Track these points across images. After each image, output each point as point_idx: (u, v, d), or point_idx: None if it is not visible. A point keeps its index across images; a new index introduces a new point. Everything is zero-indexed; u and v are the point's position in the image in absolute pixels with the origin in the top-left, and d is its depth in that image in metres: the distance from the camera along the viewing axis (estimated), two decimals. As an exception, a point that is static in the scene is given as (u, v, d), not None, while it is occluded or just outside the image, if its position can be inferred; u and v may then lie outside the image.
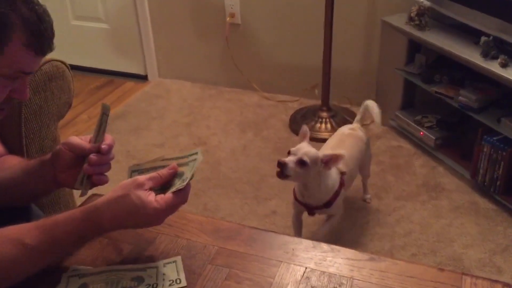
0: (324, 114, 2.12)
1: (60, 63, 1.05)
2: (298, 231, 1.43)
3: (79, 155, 0.75)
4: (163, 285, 0.67)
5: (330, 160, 1.22)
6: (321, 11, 1.95)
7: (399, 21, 1.88)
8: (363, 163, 1.54)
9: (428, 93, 1.85)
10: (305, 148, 1.21)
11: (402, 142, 1.99)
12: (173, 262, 0.71)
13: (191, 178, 0.69)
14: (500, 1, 1.53)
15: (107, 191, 0.68)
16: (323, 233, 1.36)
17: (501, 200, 1.64)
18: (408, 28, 1.83)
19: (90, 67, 2.64)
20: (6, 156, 0.88)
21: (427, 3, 1.80)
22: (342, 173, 1.33)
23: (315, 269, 0.70)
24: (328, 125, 2.10)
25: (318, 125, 2.09)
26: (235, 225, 0.80)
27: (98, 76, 2.62)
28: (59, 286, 0.67)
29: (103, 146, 0.74)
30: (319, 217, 1.47)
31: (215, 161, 1.94)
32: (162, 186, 0.69)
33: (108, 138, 0.75)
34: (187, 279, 0.69)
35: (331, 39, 1.97)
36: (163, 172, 0.69)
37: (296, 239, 0.77)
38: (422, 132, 1.90)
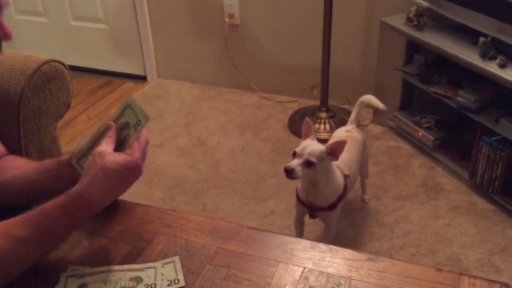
0: (323, 115, 2.12)
1: (59, 63, 1.05)
2: (299, 233, 1.42)
3: None
4: (161, 285, 0.68)
5: (334, 149, 1.20)
6: (320, 12, 1.95)
7: (397, 21, 1.88)
8: (362, 164, 1.54)
9: (426, 93, 1.85)
10: (309, 147, 1.19)
11: (401, 142, 2.00)
12: (172, 262, 0.71)
13: (145, 120, 0.70)
14: (499, 2, 1.54)
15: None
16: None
17: (500, 201, 1.64)
18: (407, 29, 1.84)
19: (89, 68, 2.64)
20: (8, 156, 0.88)
21: (426, 4, 1.81)
22: (346, 176, 1.32)
23: (314, 269, 0.70)
24: (327, 126, 2.10)
25: (317, 125, 2.10)
26: (233, 225, 0.80)
27: (97, 76, 2.62)
28: (58, 286, 0.67)
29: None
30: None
31: (214, 161, 1.94)
32: (117, 145, 0.71)
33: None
34: (185, 279, 0.69)
35: (330, 40, 1.98)
36: (110, 133, 0.71)
37: (295, 239, 0.77)
38: (421, 133, 1.90)
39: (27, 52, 1.05)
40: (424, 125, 1.91)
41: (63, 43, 2.65)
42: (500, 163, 1.59)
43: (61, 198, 0.67)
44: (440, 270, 0.70)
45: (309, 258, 0.72)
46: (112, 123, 0.72)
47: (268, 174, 1.86)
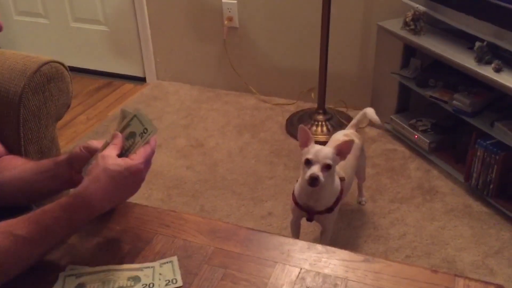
0: (320, 117, 2.13)
1: (59, 64, 1.06)
2: (295, 236, 1.42)
3: None
4: (159, 285, 0.68)
5: (342, 149, 1.21)
6: (318, 15, 1.96)
7: (394, 26, 1.90)
8: (359, 168, 1.54)
9: (422, 97, 1.87)
10: (322, 151, 1.20)
11: (397, 145, 2.01)
12: (170, 262, 0.72)
13: (153, 130, 0.70)
14: (495, 7, 1.55)
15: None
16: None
17: (494, 203, 1.65)
18: (404, 33, 1.85)
19: (89, 69, 2.64)
20: (8, 156, 0.88)
21: (422, 9, 1.82)
22: (341, 179, 1.33)
23: (310, 270, 0.71)
24: (324, 128, 2.11)
25: (314, 128, 2.11)
26: (231, 226, 0.81)
27: (96, 77, 2.62)
28: (56, 286, 0.68)
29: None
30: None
31: (212, 162, 1.95)
32: (122, 152, 0.71)
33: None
34: (183, 279, 0.69)
35: (328, 43, 1.99)
36: (115, 141, 0.71)
37: (292, 240, 0.78)
38: (417, 136, 1.92)
39: (27, 53, 1.06)
40: (420, 128, 1.93)
41: (63, 44, 2.65)
42: (495, 166, 1.60)
43: (63, 199, 0.67)
44: (435, 271, 0.71)
45: (305, 259, 0.73)
46: (118, 132, 0.72)
47: (266, 176, 1.87)
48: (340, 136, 1.50)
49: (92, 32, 2.57)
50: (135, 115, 0.71)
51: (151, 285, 0.68)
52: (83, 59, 2.63)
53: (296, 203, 1.32)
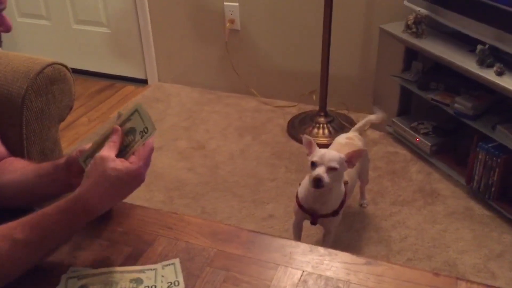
0: (322, 120, 2.13)
1: (61, 66, 1.06)
2: (297, 238, 1.42)
3: None
4: (161, 287, 0.68)
5: (353, 157, 1.22)
6: (319, 18, 1.97)
7: (396, 29, 1.90)
8: (362, 171, 1.54)
9: (424, 100, 1.87)
10: (327, 155, 1.20)
11: (399, 148, 2.01)
12: (172, 264, 0.72)
13: (153, 130, 0.69)
14: (496, 10, 1.56)
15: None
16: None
17: (496, 206, 1.65)
18: (405, 36, 1.86)
19: (91, 71, 2.65)
20: (10, 158, 0.89)
21: (424, 12, 1.83)
22: (345, 183, 1.33)
23: (312, 273, 0.71)
24: (326, 131, 2.11)
25: (315, 130, 2.11)
26: (233, 228, 0.81)
27: (99, 79, 2.63)
28: None
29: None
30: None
31: (213, 164, 1.95)
32: (120, 150, 0.70)
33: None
34: (185, 281, 0.69)
35: (329, 46, 1.99)
36: (114, 138, 0.70)
37: (294, 243, 0.78)
38: (418, 139, 1.92)
39: (30, 55, 1.06)
40: (422, 131, 1.93)
41: (65, 46, 2.66)
42: (497, 169, 1.60)
43: (62, 202, 0.67)
44: (437, 274, 0.71)
45: (308, 262, 0.73)
46: (118, 127, 0.71)
47: (267, 178, 1.87)
48: (342, 139, 1.50)
49: (94, 34, 2.58)
50: (136, 109, 0.70)
51: (153, 287, 0.68)
52: (85, 61, 2.64)
53: (300, 205, 1.32)
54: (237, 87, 2.42)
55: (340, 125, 2.12)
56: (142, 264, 0.72)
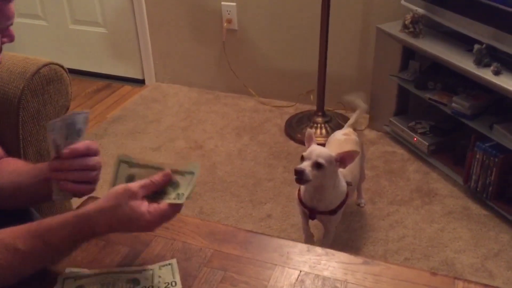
0: (319, 120, 2.14)
1: (58, 66, 1.06)
2: (309, 237, 1.40)
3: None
4: (158, 287, 0.68)
5: (345, 158, 1.21)
6: (317, 18, 1.97)
7: (393, 28, 1.90)
8: (360, 167, 1.55)
9: (421, 99, 1.87)
10: (317, 150, 1.21)
11: (396, 147, 2.01)
12: (169, 264, 0.72)
13: (189, 195, 0.68)
14: (493, 9, 1.56)
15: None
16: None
17: (493, 206, 1.66)
18: (403, 36, 1.86)
19: (88, 71, 2.64)
20: (6, 158, 0.88)
21: (421, 11, 1.83)
22: (348, 184, 1.32)
23: (310, 273, 0.71)
24: (323, 130, 2.11)
25: (313, 130, 2.11)
26: (230, 228, 0.81)
27: (95, 80, 2.62)
28: (55, 288, 0.68)
29: (64, 150, 0.72)
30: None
31: (211, 164, 1.95)
32: (152, 193, 0.68)
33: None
34: (182, 281, 0.69)
35: (327, 46, 2.00)
36: (157, 178, 0.68)
37: (291, 243, 0.78)
38: (416, 138, 1.92)
39: (26, 55, 1.06)
40: (419, 131, 1.93)
41: (62, 47, 2.65)
42: (494, 169, 1.60)
43: (70, 216, 0.66)
44: (434, 274, 0.71)
45: (305, 262, 0.73)
46: (170, 173, 0.69)
47: (265, 178, 1.87)
48: (339, 136, 1.51)
49: (91, 34, 2.58)
50: (192, 172, 0.69)
51: (150, 288, 0.68)
52: (82, 61, 2.63)
53: (300, 201, 1.33)
54: (235, 87, 2.42)
55: (338, 125, 2.12)
56: (139, 265, 0.72)
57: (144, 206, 0.65)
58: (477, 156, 1.65)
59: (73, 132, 0.73)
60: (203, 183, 1.84)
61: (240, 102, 2.37)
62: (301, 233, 1.45)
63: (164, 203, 0.67)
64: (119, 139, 2.11)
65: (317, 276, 0.71)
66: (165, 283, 0.69)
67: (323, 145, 1.39)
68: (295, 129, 2.14)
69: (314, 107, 2.16)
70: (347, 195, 1.32)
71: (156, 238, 0.77)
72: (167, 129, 2.18)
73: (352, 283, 0.69)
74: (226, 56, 2.36)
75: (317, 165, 1.19)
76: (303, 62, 2.25)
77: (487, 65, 1.60)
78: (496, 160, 1.59)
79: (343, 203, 1.31)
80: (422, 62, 1.92)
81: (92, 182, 0.75)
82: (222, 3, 2.27)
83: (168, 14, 2.40)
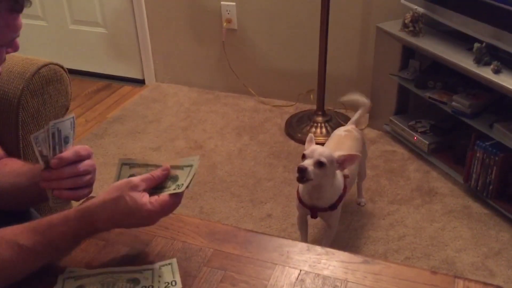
0: (319, 119, 2.14)
1: (58, 66, 1.06)
2: (304, 234, 1.43)
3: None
4: (158, 287, 0.68)
5: (346, 160, 1.23)
6: (316, 17, 1.97)
7: (393, 27, 1.90)
8: (360, 166, 1.55)
9: (421, 98, 1.87)
10: (319, 149, 1.22)
11: (396, 147, 2.01)
12: (169, 264, 0.72)
13: (188, 186, 0.69)
14: (493, 8, 1.56)
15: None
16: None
17: (494, 205, 1.65)
18: (402, 35, 1.86)
19: (88, 71, 2.64)
20: (6, 159, 0.88)
21: (421, 10, 1.83)
22: (345, 176, 1.33)
23: (310, 272, 0.71)
24: (324, 130, 2.11)
25: (313, 129, 2.11)
26: (230, 227, 0.81)
27: (95, 80, 2.62)
28: (55, 288, 0.68)
29: (52, 161, 0.71)
30: (319, 220, 1.48)
31: (211, 164, 1.95)
32: (155, 187, 0.70)
33: (67, 153, 0.70)
34: (182, 281, 0.69)
35: (327, 45, 1.99)
36: (157, 173, 0.70)
37: (291, 242, 0.78)
38: (416, 137, 1.92)
39: (26, 55, 1.06)
40: (419, 130, 1.93)
41: (62, 47, 2.65)
42: (494, 167, 1.60)
43: (70, 213, 0.67)
44: (435, 273, 0.71)
45: (305, 261, 0.73)
46: (169, 167, 0.71)
47: (265, 178, 1.87)
48: (341, 132, 1.52)
49: (90, 34, 2.58)
50: (191, 165, 0.70)
51: (150, 287, 0.68)
52: (81, 61, 2.63)
53: (300, 200, 1.34)
54: (235, 86, 2.42)
55: (338, 124, 2.12)
56: (139, 264, 0.72)
57: (145, 198, 0.67)
58: (477, 155, 1.65)
59: (59, 140, 0.72)
60: (203, 183, 1.85)
61: (240, 102, 2.37)
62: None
63: (164, 195, 0.68)
64: (119, 139, 2.11)
65: (317, 275, 0.71)
66: (165, 282, 0.69)
67: (323, 145, 1.39)
68: (295, 129, 2.14)
69: (314, 107, 2.16)
70: (344, 189, 1.33)
71: (156, 238, 0.77)
72: (167, 129, 2.18)
73: (352, 282, 0.69)
74: (226, 56, 2.36)
75: (319, 164, 1.19)
76: (303, 62, 2.25)
77: (487, 64, 1.60)
78: (496, 158, 1.59)
79: (341, 197, 1.32)
80: (422, 61, 1.92)
81: (87, 186, 0.74)
82: (222, 2, 2.27)
83: (168, 13, 2.40)
